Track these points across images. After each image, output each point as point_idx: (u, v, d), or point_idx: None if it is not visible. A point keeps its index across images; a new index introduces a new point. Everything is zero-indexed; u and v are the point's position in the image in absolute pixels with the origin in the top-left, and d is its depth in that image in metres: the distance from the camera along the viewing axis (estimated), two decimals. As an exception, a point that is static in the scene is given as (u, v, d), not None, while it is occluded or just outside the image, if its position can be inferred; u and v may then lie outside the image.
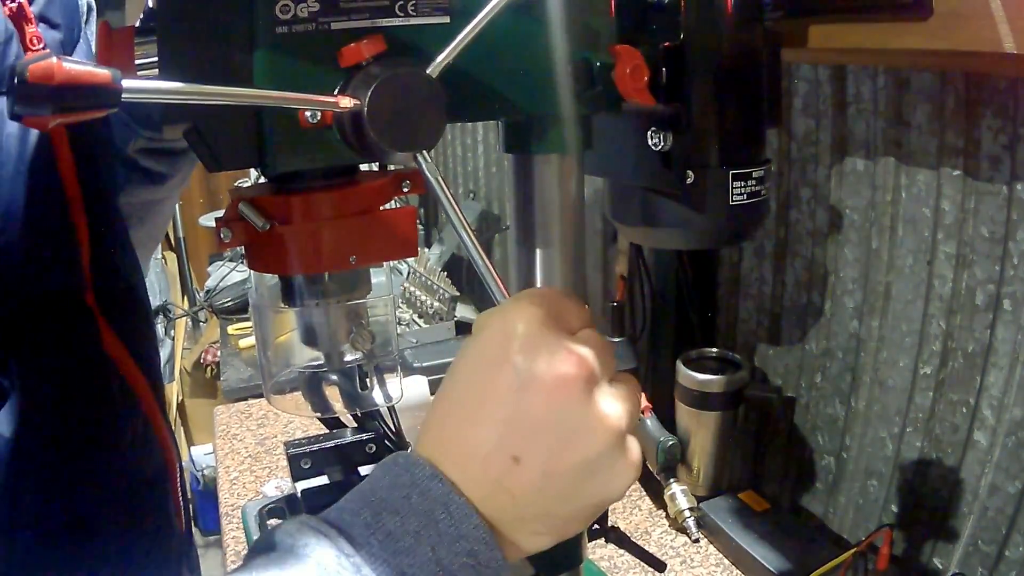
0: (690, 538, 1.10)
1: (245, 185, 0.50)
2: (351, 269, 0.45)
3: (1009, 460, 0.84)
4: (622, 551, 0.81)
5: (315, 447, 0.68)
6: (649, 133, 0.53)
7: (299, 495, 0.67)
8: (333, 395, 0.52)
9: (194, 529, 0.77)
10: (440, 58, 0.39)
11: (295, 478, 0.68)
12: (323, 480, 0.68)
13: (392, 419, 0.69)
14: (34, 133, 0.52)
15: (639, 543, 0.82)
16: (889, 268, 0.96)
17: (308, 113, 0.39)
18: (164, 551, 0.66)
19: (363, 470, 0.68)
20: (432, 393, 1.26)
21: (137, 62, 0.40)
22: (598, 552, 1.06)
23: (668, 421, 1.18)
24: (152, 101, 0.34)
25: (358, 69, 0.39)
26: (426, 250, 2.06)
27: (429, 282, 1.84)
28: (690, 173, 0.53)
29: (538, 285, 0.50)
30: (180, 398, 2.81)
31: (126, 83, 0.32)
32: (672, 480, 1.14)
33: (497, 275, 0.44)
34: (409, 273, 1.91)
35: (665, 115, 0.52)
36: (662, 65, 0.50)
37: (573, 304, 0.42)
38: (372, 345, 0.50)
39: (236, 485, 1.30)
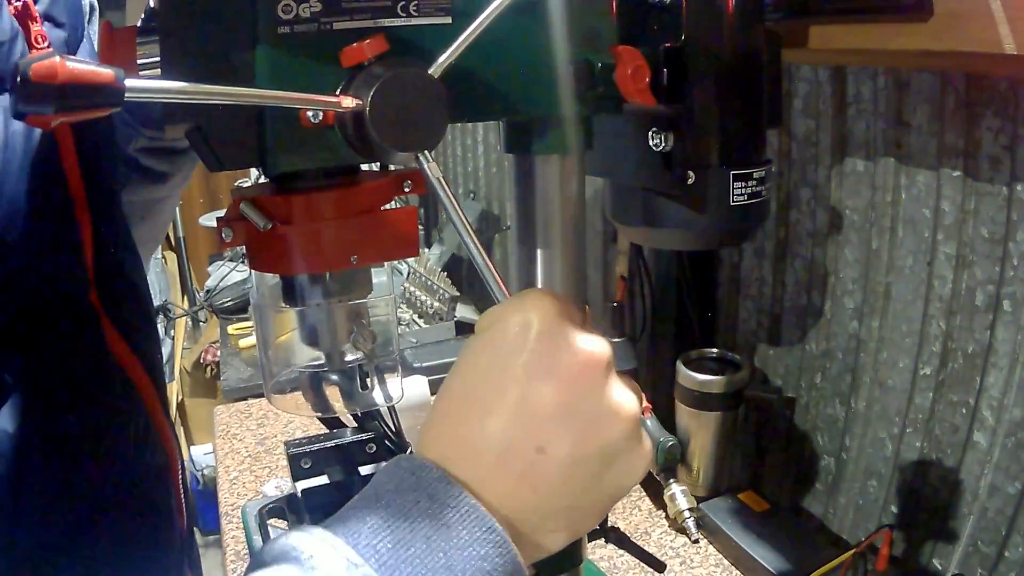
0: (690, 538, 1.10)
1: (246, 185, 0.50)
2: (352, 269, 0.45)
3: (1009, 461, 0.84)
4: (622, 551, 0.81)
5: (315, 447, 0.68)
6: (650, 134, 0.53)
7: (299, 495, 0.67)
8: (333, 395, 0.52)
9: (194, 530, 0.77)
10: (442, 58, 0.39)
11: (295, 478, 0.68)
12: (323, 480, 0.68)
13: (392, 419, 0.69)
14: (39, 131, 0.53)
15: (639, 543, 0.82)
16: (889, 269, 0.96)
17: (310, 113, 0.39)
18: (166, 548, 0.66)
19: (363, 470, 0.68)
20: (433, 393, 1.26)
21: (139, 62, 0.40)
22: (598, 552, 1.06)
23: (668, 421, 1.18)
24: (154, 101, 0.34)
25: (360, 69, 0.39)
26: (426, 250, 2.06)
27: (429, 282, 1.84)
28: (691, 173, 0.53)
29: (539, 285, 0.50)
30: (180, 398, 2.81)
31: (129, 83, 0.32)
32: (672, 480, 1.14)
33: (498, 275, 0.44)
34: (409, 273, 1.92)
35: (666, 116, 0.52)
36: (663, 66, 0.50)
37: (573, 306, 0.42)
38: (373, 345, 0.50)
39: (236, 485, 1.30)
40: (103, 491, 0.59)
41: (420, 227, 2.07)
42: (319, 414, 0.54)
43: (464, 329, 1.78)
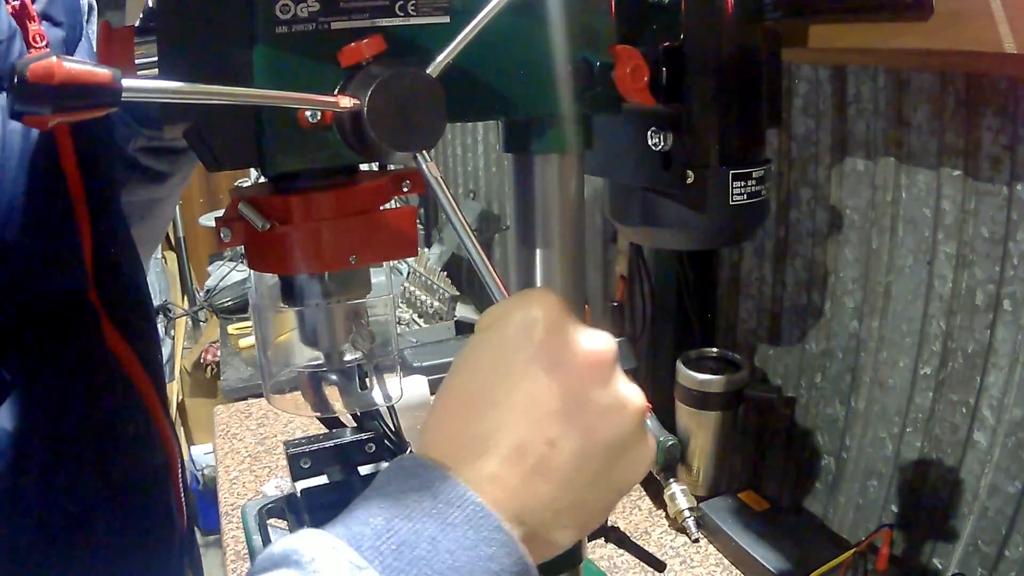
0: (690, 538, 1.10)
1: (245, 185, 0.50)
2: (351, 269, 0.45)
3: (1009, 460, 0.84)
4: (622, 551, 0.82)
5: (315, 447, 0.68)
6: (649, 133, 0.53)
7: (299, 495, 0.67)
8: (333, 395, 0.52)
9: (195, 529, 0.77)
10: (440, 58, 0.39)
11: (295, 478, 0.68)
12: (323, 480, 0.68)
13: (392, 419, 0.69)
14: (37, 130, 0.53)
15: (639, 543, 0.82)
16: (889, 268, 0.96)
17: (308, 113, 0.39)
18: (166, 547, 0.66)
19: (363, 470, 0.68)
20: (433, 393, 1.26)
21: (137, 62, 0.40)
22: (598, 552, 1.06)
23: (668, 421, 1.18)
24: (152, 101, 0.34)
25: (358, 69, 0.39)
26: (426, 250, 2.06)
27: (429, 282, 1.84)
28: (690, 173, 0.53)
29: (539, 285, 0.50)
30: (180, 398, 2.81)
31: (126, 83, 0.32)
32: (672, 480, 1.14)
33: (497, 275, 0.44)
34: (409, 273, 1.92)
35: (665, 115, 0.52)
36: (662, 65, 0.50)
37: (573, 306, 0.42)
38: (372, 345, 0.50)
39: (236, 485, 1.30)
40: (102, 489, 0.59)
41: (420, 227, 2.08)
42: (319, 414, 0.54)
43: (464, 329, 1.78)
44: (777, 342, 1.17)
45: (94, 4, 0.65)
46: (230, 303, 2.21)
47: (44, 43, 0.54)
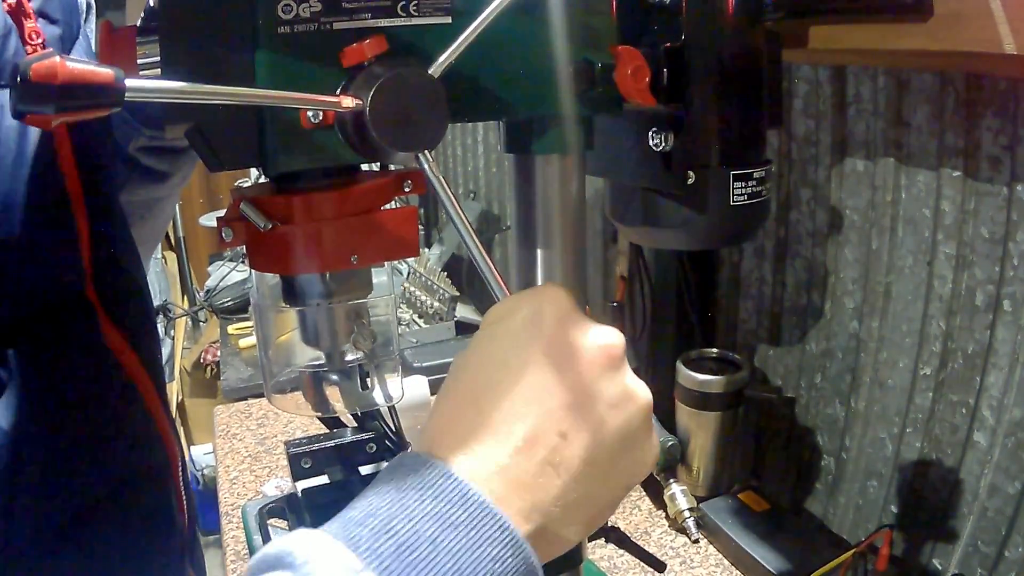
0: (690, 538, 1.10)
1: (246, 185, 0.50)
2: (352, 269, 0.45)
3: (1009, 460, 0.84)
4: (622, 551, 0.81)
5: (315, 447, 0.68)
6: (650, 133, 0.53)
7: (299, 495, 0.67)
8: (333, 395, 0.52)
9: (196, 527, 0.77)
10: (442, 58, 0.39)
11: (295, 478, 0.68)
12: (323, 480, 0.68)
13: (392, 419, 0.69)
14: (34, 128, 0.52)
15: (639, 543, 0.82)
16: (889, 268, 0.96)
17: (310, 113, 0.39)
18: (166, 545, 0.66)
19: (364, 470, 0.68)
20: (433, 393, 1.26)
21: (139, 62, 0.40)
22: (598, 552, 1.06)
23: (668, 421, 1.18)
24: (154, 101, 0.34)
25: (360, 69, 0.39)
26: (426, 250, 2.06)
27: (429, 282, 1.84)
28: (691, 173, 0.53)
29: (539, 285, 0.50)
30: (180, 398, 2.81)
31: (128, 83, 0.32)
32: (672, 480, 1.14)
33: (499, 274, 0.44)
34: (409, 273, 1.92)
35: (666, 116, 0.52)
36: (663, 66, 0.50)
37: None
38: (373, 345, 0.50)
39: (236, 485, 1.30)
40: (101, 487, 0.59)
41: (420, 227, 2.07)
42: (319, 414, 0.54)
43: (464, 329, 1.78)
44: (777, 342, 1.17)
45: (92, 3, 0.65)
46: (230, 303, 2.21)
47: (40, 40, 0.54)
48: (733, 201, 0.54)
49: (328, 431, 0.70)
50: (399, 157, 0.41)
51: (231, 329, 2.02)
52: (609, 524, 0.80)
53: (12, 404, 0.52)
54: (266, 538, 0.69)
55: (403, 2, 0.40)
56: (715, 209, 0.54)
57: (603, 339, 0.39)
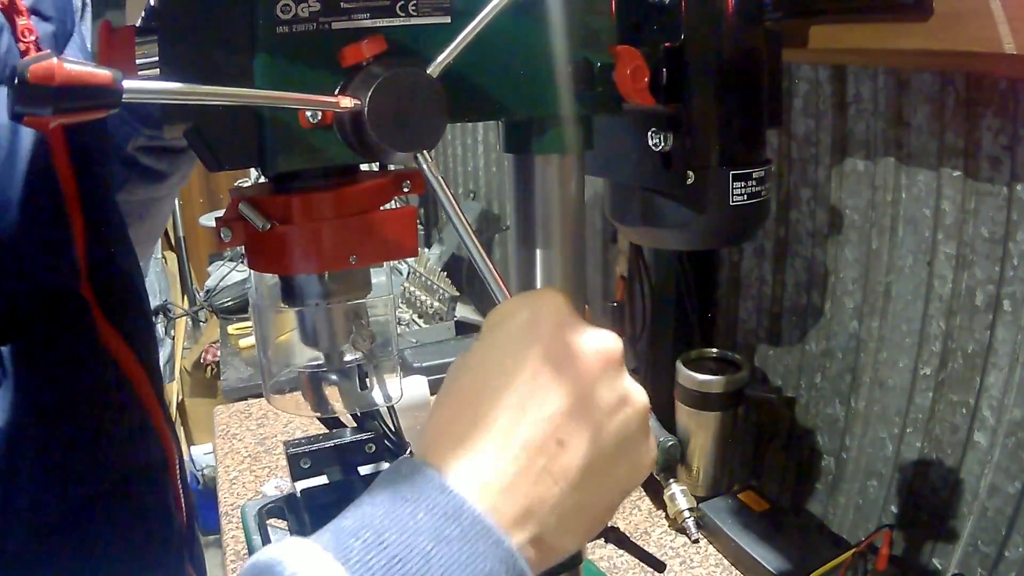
0: (690, 538, 1.10)
1: (245, 185, 0.50)
2: (351, 269, 0.45)
3: (1009, 460, 0.84)
4: (622, 551, 0.81)
5: (315, 447, 0.68)
6: (649, 133, 0.53)
7: (299, 495, 0.67)
8: (333, 395, 0.52)
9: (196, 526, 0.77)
10: (441, 58, 0.39)
11: (295, 478, 0.68)
12: (323, 480, 0.68)
13: (392, 419, 0.69)
14: (28, 128, 0.52)
15: (639, 543, 0.82)
16: (889, 268, 0.96)
17: (308, 113, 0.39)
18: (165, 542, 0.66)
19: (363, 470, 0.68)
20: (433, 393, 1.26)
21: (138, 62, 0.40)
22: (598, 552, 1.06)
23: (668, 421, 1.18)
24: (152, 102, 0.34)
25: (359, 69, 0.39)
26: (426, 250, 2.06)
27: (429, 282, 1.84)
28: (690, 173, 0.53)
29: (538, 285, 0.50)
30: (180, 398, 2.81)
31: (127, 84, 0.32)
32: (672, 480, 1.14)
33: (498, 275, 0.44)
34: (409, 273, 1.92)
35: (665, 116, 0.52)
36: (663, 66, 0.50)
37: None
38: (372, 345, 0.50)
39: (236, 485, 1.30)
40: (98, 484, 0.59)
41: (420, 227, 2.07)
42: (319, 414, 0.54)
43: (464, 329, 1.78)
44: (777, 342, 1.17)
45: (88, 1, 0.65)
46: (230, 303, 2.21)
47: (33, 38, 0.54)
48: (733, 201, 0.54)
49: (327, 431, 0.70)
50: (398, 157, 0.41)
51: (231, 329, 2.02)
52: (609, 524, 0.80)
53: (8, 402, 0.52)
54: (265, 538, 0.69)
55: (402, 2, 0.40)
56: (715, 209, 0.54)
57: (600, 343, 0.39)
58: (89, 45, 0.63)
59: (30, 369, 0.54)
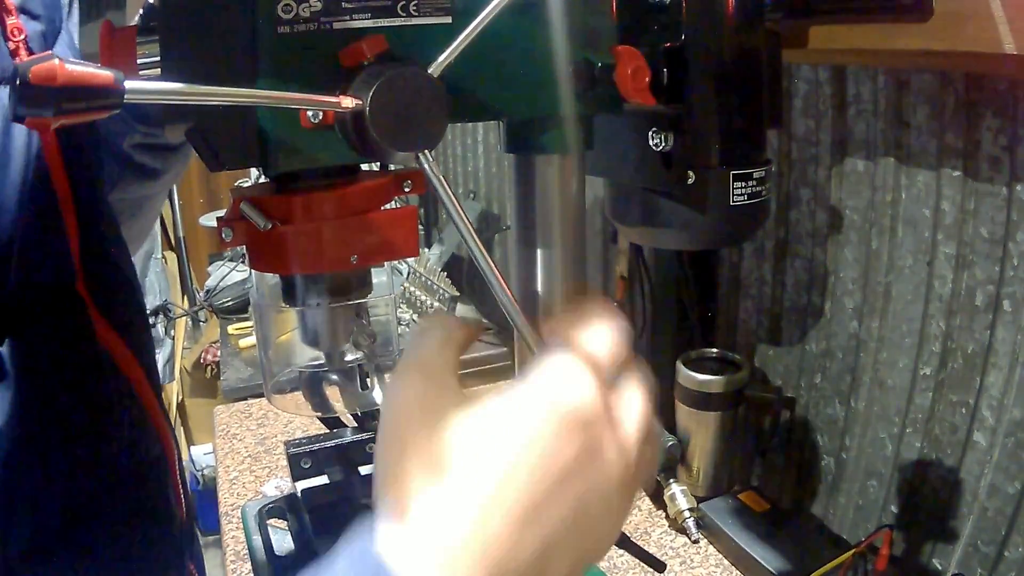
0: (690, 539, 1.10)
1: (246, 185, 0.50)
2: (352, 269, 0.45)
3: (1009, 461, 0.84)
4: (622, 551, 0.81)
5: (315, 447, 0.68)
6: (650, 133, 0.53)
7: (299, 495, 0.67)
8: (334, 395, 0.52)
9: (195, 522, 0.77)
10: (442, 58, 0.39)
11: (295, 478, 0.68)
12: (323, 480, 0.68)
13: (392, 419, 0.69)
14: (19, 126, 0.52)
15: (639, 543, 0.82)
16: (889, 268, 0.96)
17: (309, 113, 0.39)
18: (165, 540, 0.66)
19: (363, 470, 0.68)
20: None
21: (139, 62, 0.40)
22: (598, 552, 1.06)
23: (668, 421, 1.18)
24: (154, 102, 0.34)
25: (360, 69, 0.39)
26: (426, 250, 2.06)
27: (429, 282, 1.84)
28: (691, 173, 0.53)
29: (539, 285, 0.50)
30: (180, 398, 2.81)
31: (128, 84, 0.32)
32: (672, 480, 1.14)
33: (499, 274, 0.44)
34: (409, 273, 1.92)
35: (666, 116, 0.52)
36: (663, 66, 0.50)
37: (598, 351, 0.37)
38: (373, 345, 0.50)
39: (236, 485, 1.30)
40: (97, 483, 0.59)
41: (420, 227, 2.07)
42: (319, 414, 0.55)
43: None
44: (777, 342, 1.17)
45: None
46: (230, 303, 2.21)
47: (22, 37, 0.54)
48: (733, 201, 0.54)
49: (328, 431, 0.70)
50: (399, 157, 0.41)
51: (231, 329, 2.02)
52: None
53: (5, 401, 0.52)
54: (266, 538, 0.69)
55: (403, 2, 0.40)
56: (715, 209, 0.54)
57: (625, 449, 0.35)
58: (77, 42, 0.63)
59: (28, 369, 0.54)
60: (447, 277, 1.84)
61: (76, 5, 0.65)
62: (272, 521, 0.71)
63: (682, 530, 1.12)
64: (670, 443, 1.14)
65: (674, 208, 0.55)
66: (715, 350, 1.17)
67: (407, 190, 0.46)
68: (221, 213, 0.44)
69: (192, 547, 0.73)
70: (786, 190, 1.09)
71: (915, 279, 0.93)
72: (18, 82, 0.29)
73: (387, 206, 0.45)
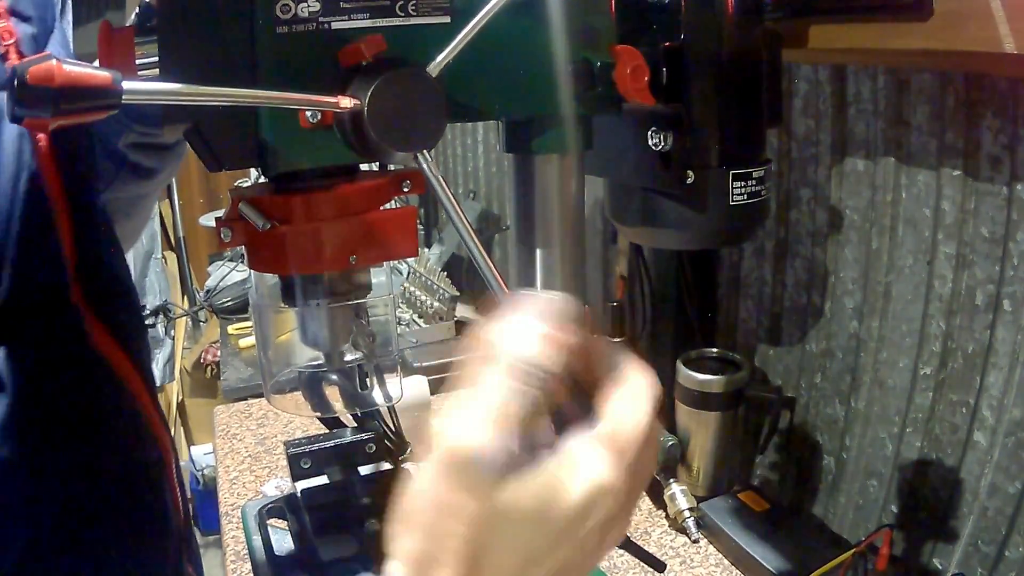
0: (690, 538, 1.10)
1: (246, 185, 0.50)
2: (351, 269, 0.45)
3: (1009, 460, 0.84)
4: (622, 551, 0.81)
5: (315, 447, 0.68)
6: (649, 133, 0.53)
7: (299, 495, 0.67)
8: (333, 395, 0.52)
9: (193, 525, 0.77)
10: (440, 58, 0.39)
11: (295, 478, 0.68)
12: (323, 480, 0.68)
13: (392, 419, 0.69)
14: (11, 128, 0.52)
15: (639, 543, 0.82)
16: (889, 268, 0.96)
17: (308, 113, 0.39)
18: (162, 542, 0.66)
19: (363, 470, 0.68)
20: (433, 393, 1.26)
21: (138, 62, 0.40)
22: (598, 552, 1.06)
23: (668, 421, 1.18)
24: (153, 102, 0.34)
25: (358, 69, 0.39)
26: (426, 250, 2.06)
27: (429, 282, 1.84)
28: (690, 173, 0.53)
29: (538, 285, 0.50)
30: (180, 398, 2.81)
31: (127, 84, 0.32)
32: (672, 480, 1.14)
33: (498, 274, 0.44)
34: (409, 273, 1.91)
35: (665, 115, 0.52)
36: (662, 65, 0.50)
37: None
38: (372, 345, 0.50)
39: (236, 485, 1.30)
40: (93, 486, 0.59)
41: (420, 227, 2.07)
42: (319, 414, 0.55)
43: (464, 329, 1.78)
44: (777, 342, 1.17)
45: None
46: (230, 303, 2.21)
47: (12, 40, 0.54)
48: (733, 201, 0.54)
49: (328, 431, 0.70)
50: (398, 157, 0.41)
51: (231, 329, 2.02)
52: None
53: (1, 404, 0.52)
54: (266, 538, 0.69)
55: (402, 2, 0.40)
56: (715, 209, 0.54)
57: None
58: (70, 41, 0.63)
59: (23, 373, 0.53)
60: (447, 277, 1.84)
61: (69, 4, 0.65)
62: (272, 521, 0.71)
63: (682, 530, 1.12)
64: (670, 443, 1.14)
65: (674, 208, 0.55)
66: (715, 350, 1.17)
67: (406, 190, 0.46)
68: (221, 213, 0.44)
69: (190, 550, 0.73)
70: (786, 190, 1.09)
71: (915, 279, 0.93)
72: (16, 83, 0.29)
73: (386, 206, 0.45)
